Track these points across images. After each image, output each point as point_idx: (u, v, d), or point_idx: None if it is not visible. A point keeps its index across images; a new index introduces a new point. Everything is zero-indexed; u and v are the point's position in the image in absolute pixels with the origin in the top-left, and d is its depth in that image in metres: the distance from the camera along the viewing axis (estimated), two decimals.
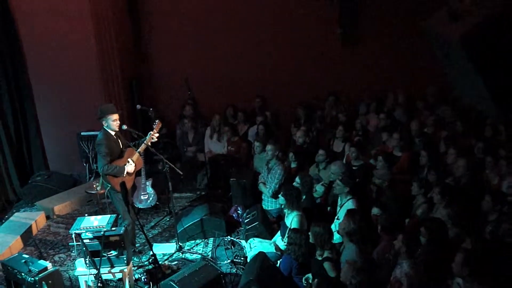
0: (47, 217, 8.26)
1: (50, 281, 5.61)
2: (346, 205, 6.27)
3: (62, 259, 7.08)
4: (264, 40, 9.69)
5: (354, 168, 7.33)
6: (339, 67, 9.62)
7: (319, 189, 7.50)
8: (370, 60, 9.47)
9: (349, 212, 5.75)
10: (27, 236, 7.55)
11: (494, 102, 2.39)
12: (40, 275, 5.55)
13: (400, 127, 8.35)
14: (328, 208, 7.01)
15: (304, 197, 6.77)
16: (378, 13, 9.28)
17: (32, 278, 5.54)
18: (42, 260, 5.99)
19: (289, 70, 9.73)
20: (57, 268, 6.03)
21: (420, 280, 4.41)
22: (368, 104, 9.52)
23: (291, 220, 6.29)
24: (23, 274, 5.63)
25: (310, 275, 5.36)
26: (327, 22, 9.55)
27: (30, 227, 7.71)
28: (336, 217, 6.39)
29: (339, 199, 6.55)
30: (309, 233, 5.57)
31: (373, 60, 9.44)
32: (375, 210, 5.97)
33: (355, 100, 9.80)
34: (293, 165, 7.89)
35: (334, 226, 6.23)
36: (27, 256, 6.05)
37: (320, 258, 5.43)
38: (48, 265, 5.75)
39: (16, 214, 8.21)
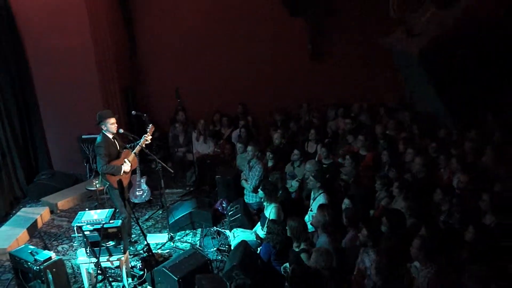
0: (51, 212, 8.17)
1: (54, 269, 5.54)
2: (318, 198, 6.30)
3: (65, 249, 7.01)
4: (246, 55, 9.72)
5: (324, 166, 7.37)
6: (309, 78, 9.68)
7: (294, 184, 7.54)
8: (336, 72, 9.54)
9: (321, 207, 5.75)
10: (33, 229, 7.45)
11: (447, 110, 2.42)
12: (44, 264, 5.49)
13: (365, 130, 8.41)
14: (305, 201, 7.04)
15: (280, 191, 6.81)
16: (343, 31, 9.36)
17: (38, 267, 5.47)
18: (46, 251, 5.92)
19: (267, 80, 9.77)
20: (60, 257, 5.94)
21: (384, 264, 4.44)
22: (336, 110, 9.56)
23: (270, 211, 6.31)
24: (29, 263, 5.56)
25: (287, 265, 5.35)
26: (299, 39, 9.62)
27: (36, 220, 7.61)
28: (309, 209, 6.42)
29: (312, 193, 6.58)
30: (286, 227, 5.58)
31: (339, 72, 9.52)
32: (346, 201, 5.99)
33: (325, 107, 9.83)
34: (270, 163, 7.90)
35: (308, 217, 6.26)
36: (33, 247, 5.96)
37: (297, 250, 5.44)
38: (52, 255, 5.67)
39: (22, 209, 8.11)
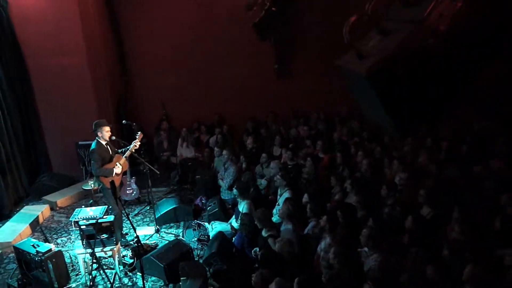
0: (51, 209, 7.96)
1: (54, 260, 5.42)
2: (284, 194, 6.31)
3: (63, 241, 6.85)
4: (222, 73, 9.71)
5: (289, 167, 7.41)
6: (275, 93, 9.74)
7: (263, 183, 7.54)
8: (298, 88, 9.64)
9: (287, 199, 5.79)
10: (34, 224, 7.25)
11: (392, 124, 2.47)
12: (45, 255, 5.37)
13: (323, 136, 8.50)
14: (270, 196, 7.05)
15: (252, 189, 6.81)
16: (304, 54, 9.47)
17: (39, 258, 5.34)
18: (47, 243, 5.78)
19: (241, 94, 9.76)
20: (59, 249, 5.83)
21: (341, 249, 4.48)
22: (298, 119, 9.62)
23: (243, 206, 6.31)
24: (31, 254, 5.41)
25: (257, 249, 5.36)
26: (267, 60, 9.68)
27: (37, 217, 7.40)
28: (277, 203, 6.43)
29: (279, 190, 6.59)
30: (254, 215, 5.59)
31: (300, 88, 9.61)
32: (305, 197, 6.03)
33: (289, 116, 9.89)
34: (244, 165, 7.90)
35: (275, 210, 6.27)
36: (35, 240, 5.82)
37: (265, 235, 5.45)
38: (52, 247, 5.56)
39: (25, 207, 7.87)
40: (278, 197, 6.48)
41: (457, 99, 2.67)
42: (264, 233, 5.50)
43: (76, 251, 5.70)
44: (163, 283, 5.58)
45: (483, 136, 7.24)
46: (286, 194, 6.29)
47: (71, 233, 6.99)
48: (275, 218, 6.10)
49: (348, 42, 2.69)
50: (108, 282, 5.57)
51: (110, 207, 6.40)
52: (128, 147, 6.40)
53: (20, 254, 5.62)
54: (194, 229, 6.90)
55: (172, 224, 7.16)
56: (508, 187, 5.33)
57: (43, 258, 5.34)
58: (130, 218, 6.64)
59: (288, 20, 9.31)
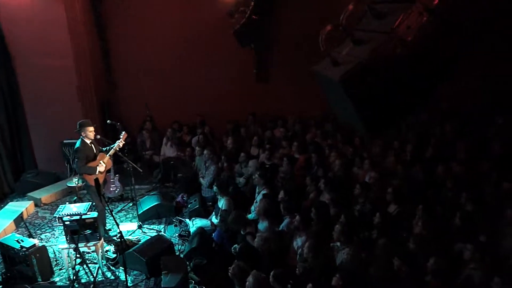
0: (36, 205, 7.75)
1: (38, 255, 5.29)
2: (261, 192, 6.32)
3: (47, 237, 6.66)
4: (204, 76, 9.64)
5: (266, 166, 7.42)
6: (255, 96, 9.75)
7: (241, 181, 7.52)
8: (276, 92, 9.68)
9: (263, 197, 5.80)
10: (19, 220, 7.03)
11: (364, 125, 2.52)
12: (29, 250, 5.22)
13: (299, 137, 8.54)
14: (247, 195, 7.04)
15: (231, 187, 6.79)
16: (282, 60, 9.52)
17: (23, 253, 5.20)
18: (31, 239, 5.63)
19: (222, 97, 9.72)
20: (43, 244, 5.68)
21: (315, 244, 4.51)
22: (275, 121, 9.65)
23: (222, 203, 6.28)
24: (16, 249, 5.27)
25: (236, 246, 5.35)
26: (247, 65, 9.68)
27: (22, 213, 7.19)
28: (255, 201, 6.43)
29: (257, 188, 6.59)
30: (229, 221, 5.55)
31: (278, 92, 9.66)
32: (281, 193, 6.04)
33: (267, 118, 9.92)
34: (225, 164, 7.87)
35: (254, 208, 6.27)
36: (19, 235, 5.66)
37: (243, 233, 5.44)
38: (36, 242, 5.41)
39: (10, 203, 7.63)
40: (256, 195, 6.48)
41: (422, 105, 2.74)
42: (242, 232, 5.49)
43: (60, 246, 5.57)
44: (145, 277, 5.51)
45: (445, 140, 7.43)
46: (264, 192, 6.29)
47: (55, 229, 6.82)
48: (252, 215, 6.10)
49: (324, 49, 2.72)
50: (91, 276, 5.46)
51: (94, 203, 6.28)
52: (112, 146, 6.31)
53: (5, 249, 5.45)
54: (176, 225, 6.84)
55: (154, 220, 7.07)
56: (466, 187, 5.49)
57: (27, 253, 5.20)
58: (114, 214, 6.54)
59: (268, 28, 9.35)
